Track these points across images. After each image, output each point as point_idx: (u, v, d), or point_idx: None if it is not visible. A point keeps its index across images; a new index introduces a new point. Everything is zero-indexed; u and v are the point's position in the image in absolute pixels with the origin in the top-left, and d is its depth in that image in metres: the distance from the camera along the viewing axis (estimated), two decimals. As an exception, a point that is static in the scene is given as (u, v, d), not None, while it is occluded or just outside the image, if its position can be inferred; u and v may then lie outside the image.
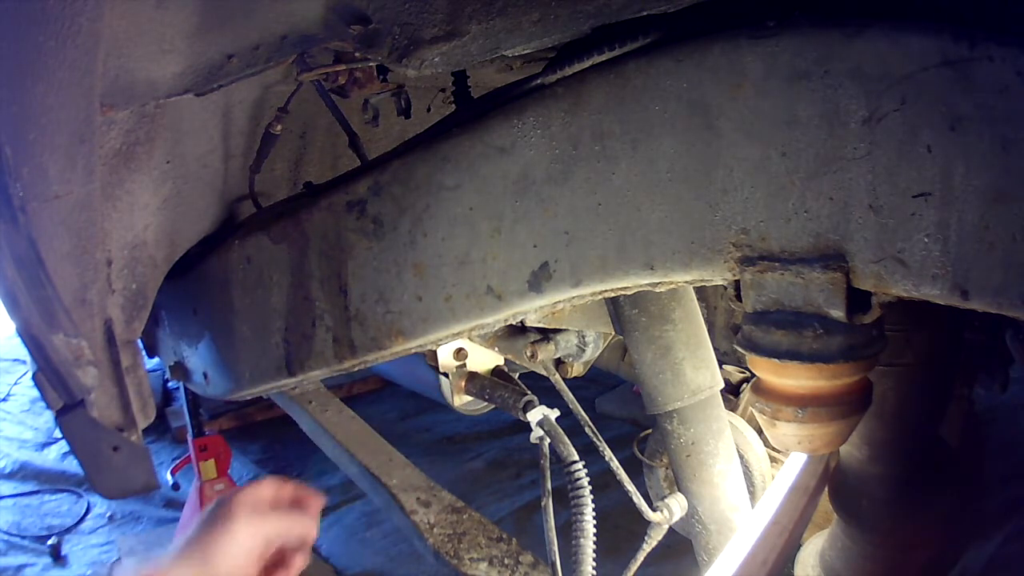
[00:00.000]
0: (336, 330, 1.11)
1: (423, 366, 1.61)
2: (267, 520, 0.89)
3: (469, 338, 1.35)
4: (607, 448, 1.38)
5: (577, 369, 1.55)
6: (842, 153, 0.67)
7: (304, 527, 0.92)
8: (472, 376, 1.55)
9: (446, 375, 1.56)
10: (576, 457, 1.36)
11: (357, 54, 0.99)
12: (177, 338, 1.52)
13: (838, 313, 0.71)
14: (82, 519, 3.72)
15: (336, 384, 4.16)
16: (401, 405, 4.52)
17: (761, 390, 0.83)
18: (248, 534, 0.86)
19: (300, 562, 0.92)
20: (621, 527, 2.43)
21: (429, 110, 1.83)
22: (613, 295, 0.89)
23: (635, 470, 1.47)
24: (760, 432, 1.50)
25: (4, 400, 4.71)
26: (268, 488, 0.92)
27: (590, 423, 1.39)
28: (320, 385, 2.51)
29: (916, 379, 1.22)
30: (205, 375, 1.45)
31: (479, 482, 3.65)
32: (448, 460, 3.89)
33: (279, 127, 1.41)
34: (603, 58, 0.82)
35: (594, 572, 1.31)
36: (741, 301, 0.78)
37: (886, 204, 0.65)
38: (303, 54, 1.05)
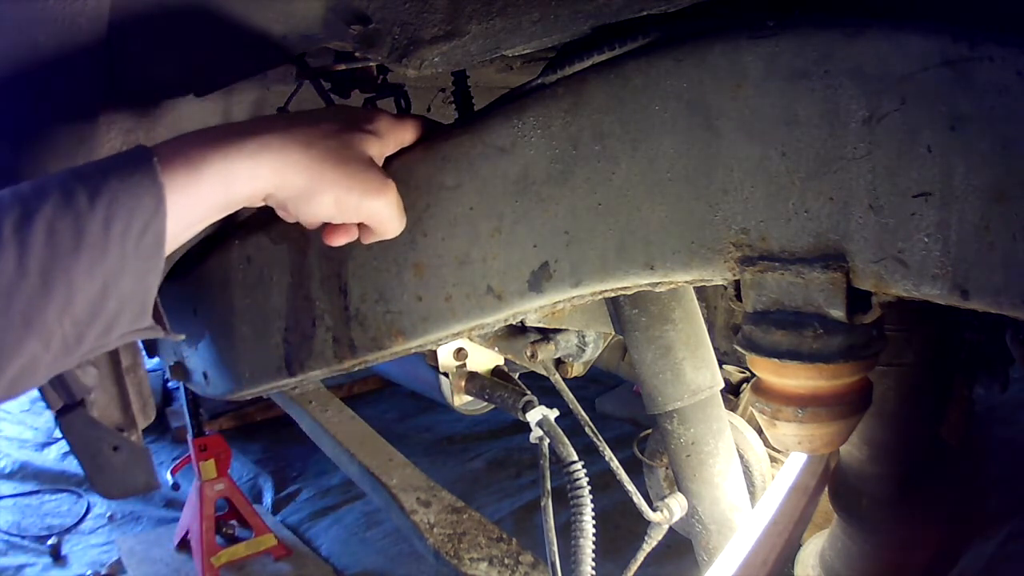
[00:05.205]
0: (336, 330, 1.11)
1: (423, 366, 1.61)
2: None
3: (469, 338, 1.35)
4: (607, 448, 1.38)
5: (577, 369, 1.55)
6: (842, 153, 0.67)
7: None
8: (472, 376, 1.55)
9: (446, 375, 1.56)
10: (575, 457, 1.36)
11: (357, 54, 0.99)
12: (177, 338, 1.51)
13: (838, 313, 0.71)
14: (82, 519, 3.72)
15: (336, 384, 4.16)
16: (401, 405, 4.52)
17: (761, 390, 0.83)
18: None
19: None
20: (621, 527, 2.43)
21: (429, 110, 1.83)
22: (613, 295, 0.89)
23: (635, 470, 1.47)
24: (760, 432, 1.50)
25: (4, 400, 4.70)
26: None
27: (590, 423, 1.39)
28: (320, 385, 2.51)
29: (916, 379, 1.22)
30: (205, 375, 1.44)
31: (479, 482, 3.66)
32: (448, 460, 3.89)
33: (279, 127, 1.40)
34: (603, 58, 0.82)
35: (593, 572, 1.31)
36: (741, 301, 0.78)
37: (886, 204, 0.65)
38: (303, 54, 1.05)
